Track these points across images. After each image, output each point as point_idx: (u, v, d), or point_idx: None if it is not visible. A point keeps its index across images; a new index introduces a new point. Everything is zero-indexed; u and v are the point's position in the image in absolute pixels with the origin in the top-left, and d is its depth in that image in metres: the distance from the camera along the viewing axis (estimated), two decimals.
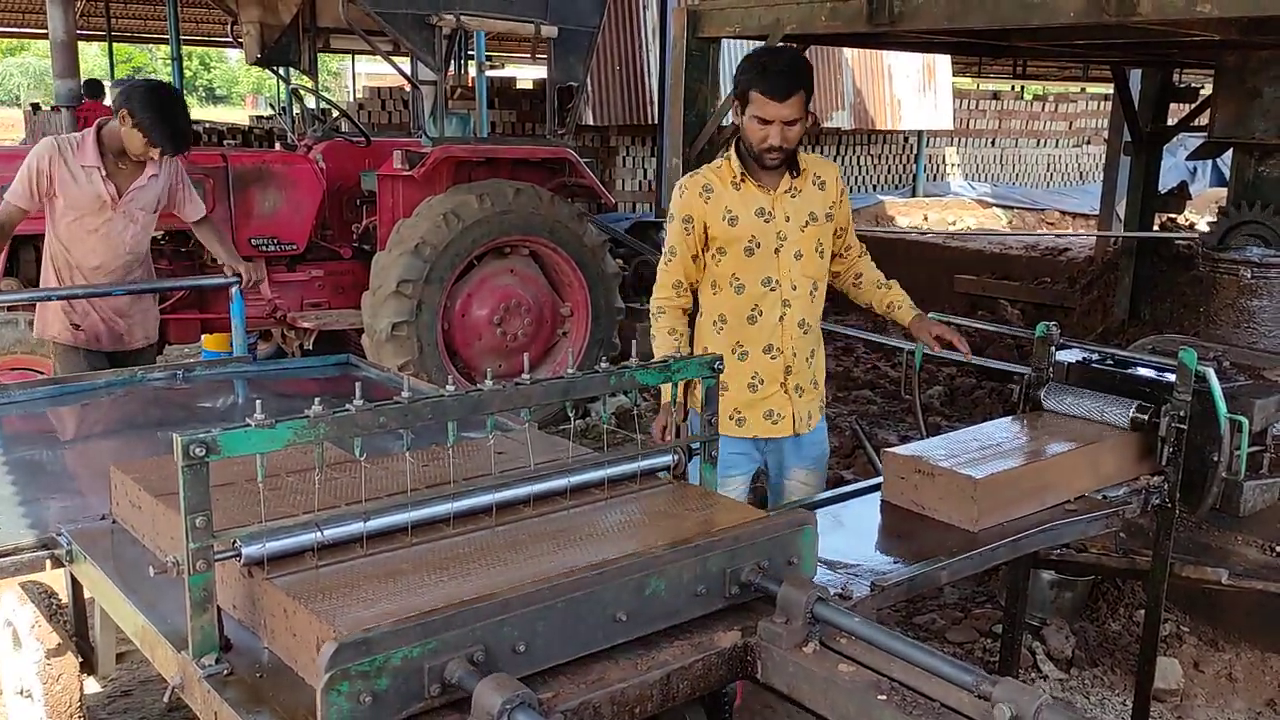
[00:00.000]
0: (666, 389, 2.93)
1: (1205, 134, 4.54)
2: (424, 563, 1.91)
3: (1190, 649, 3.86)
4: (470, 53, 9.23)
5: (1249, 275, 3.54)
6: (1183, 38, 3.82)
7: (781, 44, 3.58)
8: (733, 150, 3.04)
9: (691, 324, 3.17)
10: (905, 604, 4.21)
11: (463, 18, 5.80)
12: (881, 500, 2.70)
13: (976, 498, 2.48)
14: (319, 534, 1.87)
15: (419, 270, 5.63)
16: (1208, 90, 5.28)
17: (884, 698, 1.69)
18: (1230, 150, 4.42)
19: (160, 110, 3.77)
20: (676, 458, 2.37)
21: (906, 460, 2.64)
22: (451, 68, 6.62)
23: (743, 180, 3.00)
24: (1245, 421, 2.88)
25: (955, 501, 2.52)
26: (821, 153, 15.76)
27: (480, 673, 1.55)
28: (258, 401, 1.75)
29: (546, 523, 2.12)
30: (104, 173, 3.87)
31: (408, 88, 6.78)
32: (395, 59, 6.55)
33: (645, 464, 2.31)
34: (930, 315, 3.28)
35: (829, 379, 7.90)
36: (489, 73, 9.30)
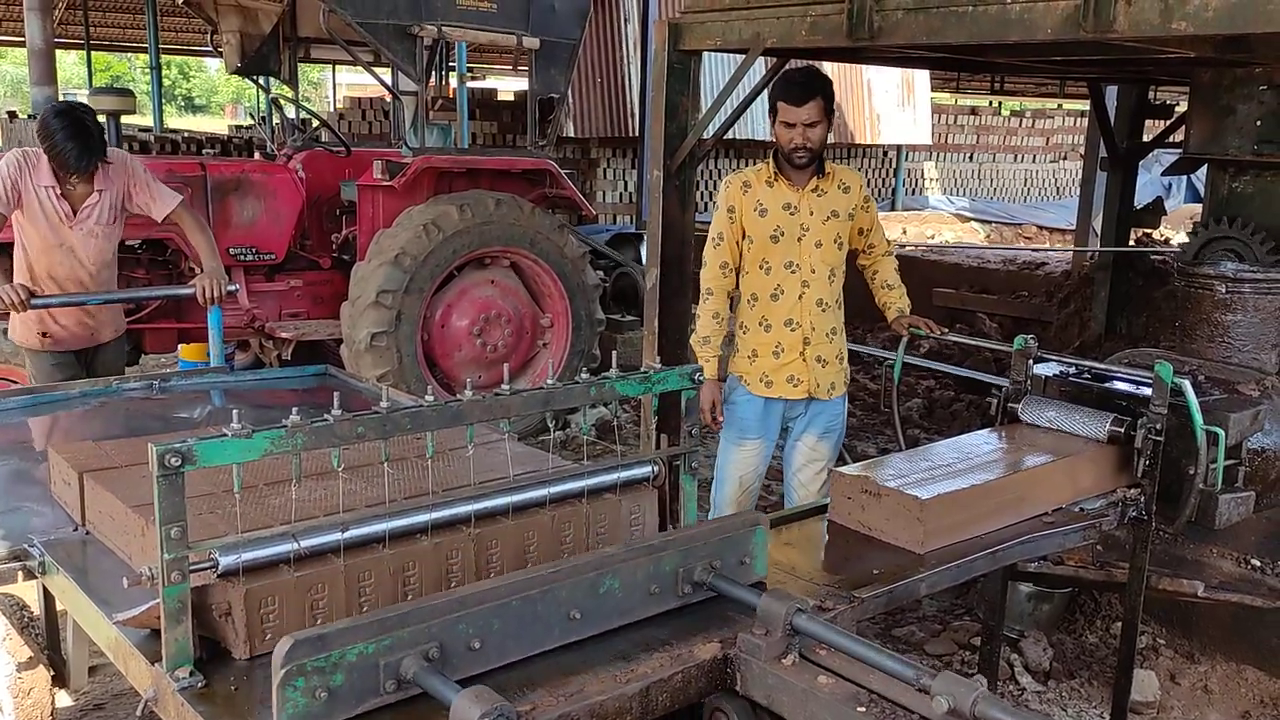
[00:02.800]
0: (706, 367, 3.51)
1: (1180, 150, 4.58)
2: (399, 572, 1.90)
3: (1167, 661, 3.88)
4: (451, 63, 9.22)
5: (1223, 290, 3.57)
6: (1158, 55, 3.86)
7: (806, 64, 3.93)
8: (771, 156, 3.62)
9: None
10: (885, 616, 4.21)
11: (444, 28, 5.81)
12: (828, 521, 2.63)
13: (923, 519, 2.41)
14: (296, 545, 1.85)
15: (399, 281, 5.61)
16: (1183, 107, 5.34)
17: (863, 709, 1.69)
18: (1205, 166, 4.46)
19: (53, 136, 3.76)
20: (656, 468, 2.37)
21: (853, 480, 2.57)
22: (432, 78, 6.61)
23: (776, 179, 3.57)
24: (1221, 434, 2.90)
25: (901, 523, 2.45)
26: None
27: (435, 669, 1.58)
28: (235, 411, 1.73)
29: (524, 532, 2.11)
30: (58, 192, 3.88)
31: (388, 98, 6.76)
32: (376, 69, 6.55)
33: (625, 474, 2.31)
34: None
35: None
36: (470, 84, 9.30)
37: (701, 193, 14.70)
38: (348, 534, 1.91)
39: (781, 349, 3.60)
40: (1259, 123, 4.00)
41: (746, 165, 16.40)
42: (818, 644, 1.85)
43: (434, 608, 1.62)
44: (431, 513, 2.02)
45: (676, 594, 1.95)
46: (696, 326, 3.70)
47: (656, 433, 4.29)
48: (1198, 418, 2.89)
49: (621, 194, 13.69)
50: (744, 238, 3.60)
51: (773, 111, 3.54)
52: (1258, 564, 3.76)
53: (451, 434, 2.22)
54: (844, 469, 2.70)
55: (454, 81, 7.89)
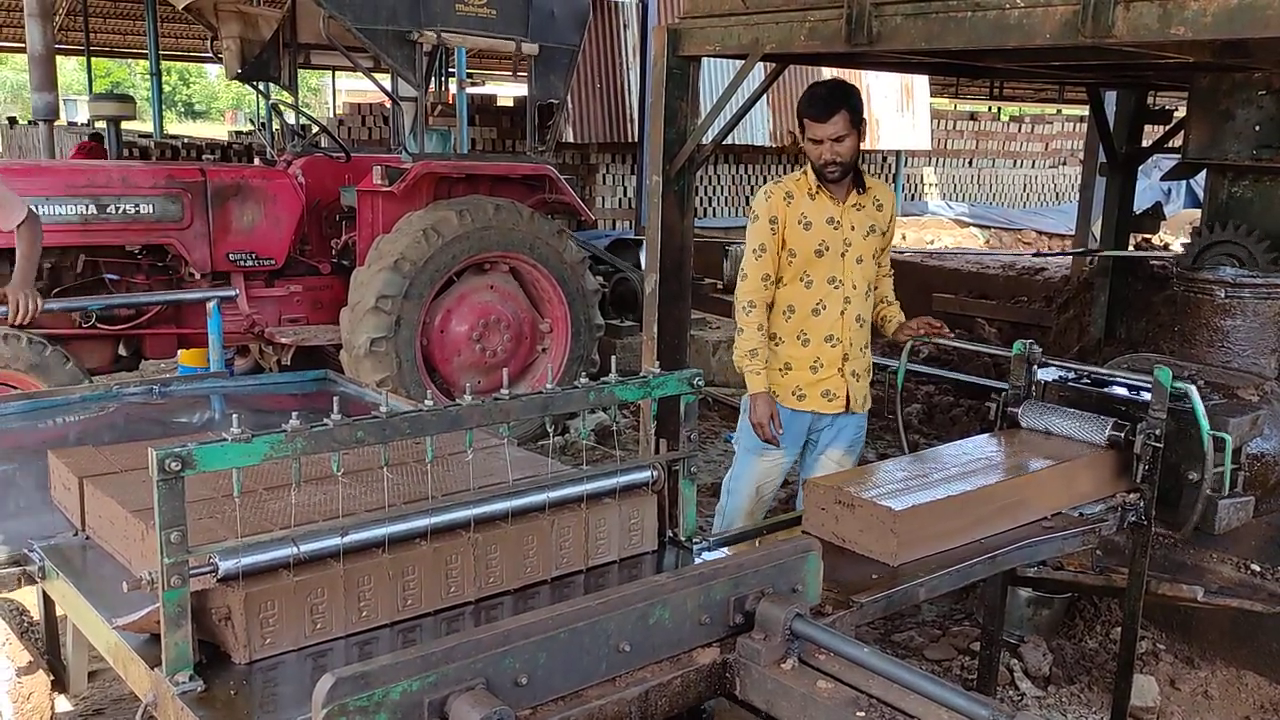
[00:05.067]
0: (756, 380, 3.49)
1: (1179, 155, 4.58)
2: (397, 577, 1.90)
3: (1167, 666, 3.88)
4: (451, 69, 9.23)
5: (1223, 295, 3.57)
6: (1157, 60, 3.86)
7: (831, 78, 3.89)
8: (809, 166, 3.55)
9: None
10: (883, 621, 4.21)
11: (444, 34, 5.81)
12: (801, 533, 2.56)
13: (896, 530, 2.35)
14: (295, 549, 1.85)
15: (398, 286, 5.61)
16: (1182, 112, 5.35)
17: (862, 714, 1.69)
18: (1204, 171, 4.47)
19: None
20: (655, 473, 2.37)
21: (827, 490, 2.53)
22: (432, 84, 6.63)
23: (818, 192, 3.52)
24: (1228, 439, 2.90)
25: (875, 534, 2.39)
26: (799, 168, 15.84)
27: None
28: (234, 416, 1.73)
29: (523, 537, 2.11)
30: None
31: (388, 104, 6.76)
32: (376, 75, 6.55)
33: (624, 479, 2.31)
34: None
35: None
36: (470, 89, 9.32)
37: (701, 198, 14.71)
38: (347, 539, 1.91)
39: (820, 364, 3.56)
40: (1258, 127, 4.00)
41: (745, 170, 16.33)
42: (817, 649, 1.85)
43: (479, 642, 1.58)
44: (431, 517, 2.03)
45: (728, 623, 1.89)
46: (740, 340, 3.57)
47: (655, 438, 4.28)
48: (1204, 422, 2.89)
49: (621, 199, 13.69)
50: (784, 249, 3.53)
51: (800, 129, 3.52)
52: (1257, 569, 3.76)
53: (451, 439, 2.22)
54: (818, 479, 2.66)
55: (453, 87, 7.92)
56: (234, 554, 1.79)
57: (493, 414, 2.02)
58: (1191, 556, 3.82)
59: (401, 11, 5.66)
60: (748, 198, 15.40)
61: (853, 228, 3.52)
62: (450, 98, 7.48)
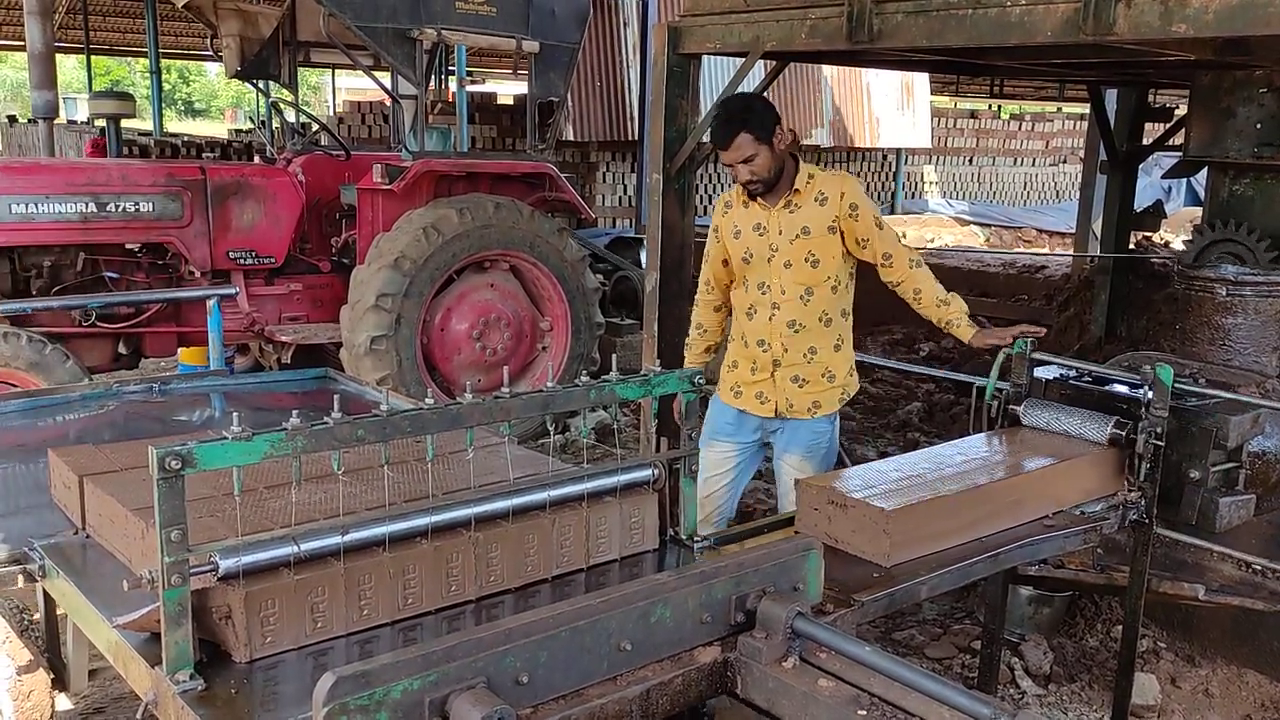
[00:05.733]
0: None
1: (1180, 153, 4.58)
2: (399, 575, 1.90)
3: (1167, 665, 3.88)
4: (451, 67, 9.22)
5: (1224, 293, 3.57)
6: (1158, 58, 3.86)
7: (739, 92, 3.71)
8: None
9: None
10: (884, 619, 4.21)
11: (444, 32, 5.80)
12: (795, 534, 2.54)
13: (889, 531, 2.33)
14: (296, 548, 1.85)
15: (398, 284, 5.61)
16: (1183, 110, 5.34)
17: (864, 713, 1.69)
18: (1205, 169, 4.47)
19: None
20: (656, 472, 2.37)
21: (820, 490, 2.50)
22: (432, 82, 6.62)
23: (751, 199, 3.44)
24: None
25: (868, 535, 2.37)
26: None
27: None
28: (234, 414, 1.73)
29: (524, 536, 2.11)
30: None
31: (388, 102, 6.76)
32: (376, 73, 6.54)
33: (625, 478, 2.31)
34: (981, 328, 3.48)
35: None
36: (470, 87, 9.31)
37: (701, 196, 14.70)
38: (348, 537, 1.91)
39: (756, 367, 3.53)
40: (1259, 125, 4.00)
41: None
42: (818, 647, 1.85)
43: (480, 641, 1.57)
44: (432, 516, 2.03)
45: (729, 622, 1.89)
46: None
47: (656, 436, 4.28)
48: None
49: (621, 198, 13.69)
50: (727, 255, 3.55)
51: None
52: (1258, 567, 3.76)
53: (451, 437, 2.22)
54: (810, 479, 2.63)
55: (453, 85, 7.90)
56: (234, 552, 1.78)
57: (493, 412, 2.02)
58: (1192, 555, 3.82)
59: (401, 9, 5.65)
60: None
61: (780, 232, 3.40)
62: (450, 96, 7.47)
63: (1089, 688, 3.83)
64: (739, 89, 4.35)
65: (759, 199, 3.42)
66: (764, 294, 3.46)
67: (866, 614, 2.26)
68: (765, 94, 4.13)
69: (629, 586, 1.81)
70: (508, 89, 16.50)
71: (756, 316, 3.48)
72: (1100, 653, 4.02)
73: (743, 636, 1.87)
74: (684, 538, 2.43)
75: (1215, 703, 3.75)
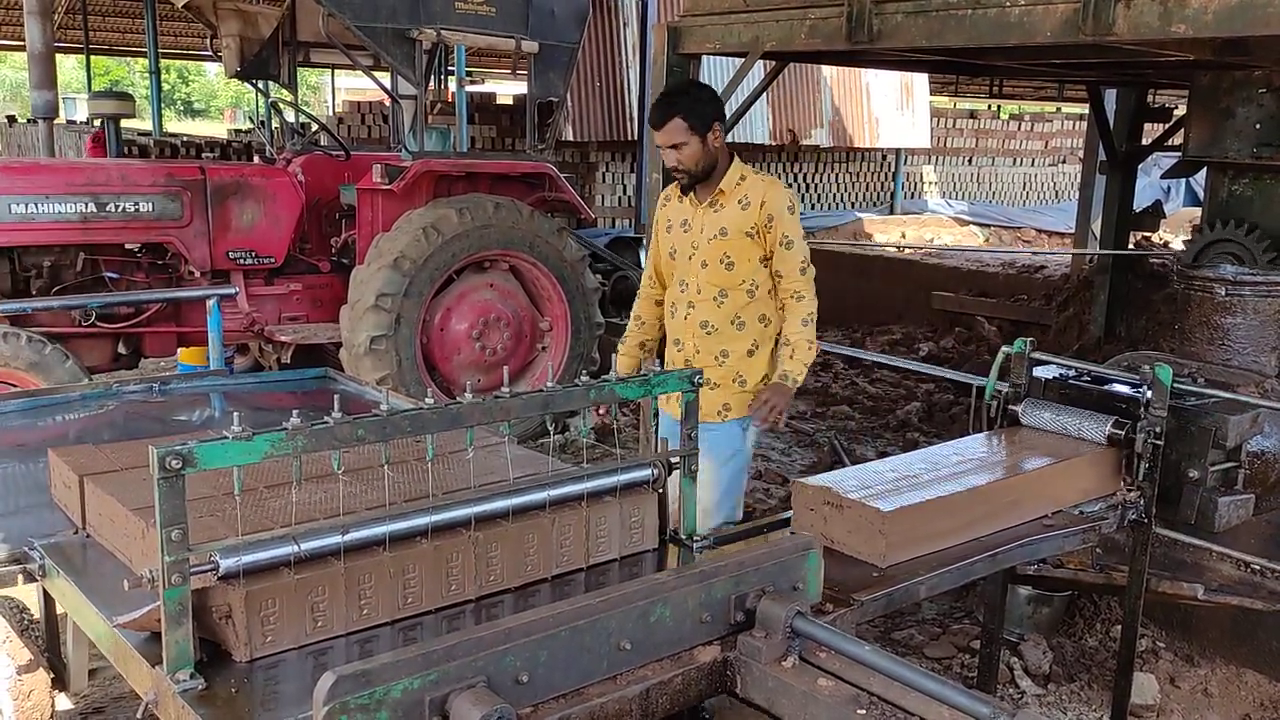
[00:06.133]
0: (619, 361, 3.41)
1: (1179, 153, 4.59)
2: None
3: (1166, 664, 3.88)
4: (450, 67, 9.21)
5: (1223, 293, 3.57)
6: (1157, 58, 3.86)
7: (691, 79, 3.69)
8: None
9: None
10: (884, 619, 4.21)
11: (443, 32, 5.80)
12: (791, 534, 2.54)
13: (885, 531, 2.32)
14: (296, 548, 1.85)
15: (398, 284, 5.61)
16: (1181, 110, 5.35)
17: (863, 712, 1.69)
18: (1204, 169, 4.47)
19: None
20: (656, 471, 2.37)
21: (816, 491, 2.49)
22: (431, 82, 6.62)
23: (685, 195, 3.41)
24: None
25: (864, 535, 2.36)
26: (800, 169, 15.85)
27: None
28: (235, 414, 1.73)
29: (524, 535, 2.11)
30: None
31: (388, 102, 6.76)
32: (375, 73, 6.55)
33: (624, 478, 2.31)
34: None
35: (806, 393, 7.94)
36: (469, 88, 9.31)
37: None
38: (348, 537, 1.91)
39: (674, 367, 3.39)
40: (1258, 126, 4.01)
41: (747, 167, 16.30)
42: (818, 647, 1.85)
43: (480, 640, 1.58)
44: (432, 515, 2.03)
45: (729, 621, 1.89)
46: None
47: (656, 436, 4.28)
48: None
49: (620, 197, 13.69)
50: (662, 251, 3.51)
51: None
52: (1257, 567, 3.76)
53: (451, 437, 2.22)
54: (807, 480, 2.61)
55: (453, 85, 7.89)
56: (235, 552, 1.79)
57: (493, 412, 2.02)
58: (1191, 554, 3.83)
59: (401, 9, 5.65)
60: None
61: (702, 230, 3.34)
62: (450, 96, 7.46)
63: (1088, 687, 3.83)
64: (738, 89, 4.36)
65: (692, 194, 3.38)
66: (683, 292, 3.42)
67: (865, 613, 2.27)
68: (763, 94, 4.15)
69: (629, 586, 1.81)
70: (507, 89, 16.50)
71: (676, 315, 3.45)
72: (1099, 652, 4.02)
73: (742, 636, 1.87)
74: (684, 537, 2.43)
75: (1214, 702, 3.76)
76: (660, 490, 2.39)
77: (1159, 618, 4.00)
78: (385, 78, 6.38)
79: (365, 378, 5.22)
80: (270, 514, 2.08)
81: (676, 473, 2.39)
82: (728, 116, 4.65)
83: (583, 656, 1.71)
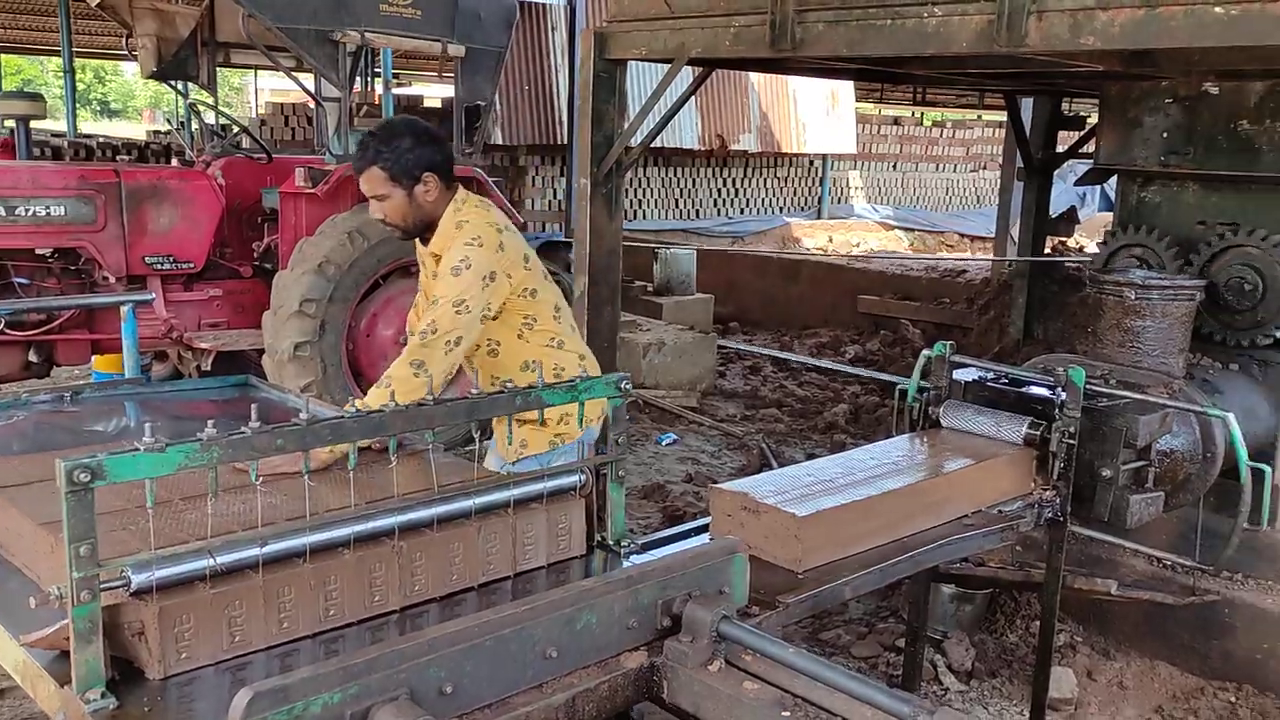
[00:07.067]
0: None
1: (1092, 161, 4.72)
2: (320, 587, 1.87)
3: (1084, 658, 3.99)
4: (377, 69, 9.11)
5: (1132, 296, 3.69)
6: (1069, 68, 3.98)
7: (410, 118, 3.15)
8: None
9: None
10: (812, 620, 4.26)
11: (367, 35, 5.73)
12: (708, 540, 2.52)
13: (800, 536, 2.33)
14: (212, 561, 1.81)
15: (323, 289, 5.52)
16: (1094, 119, 5.51)
17: (787, 714, 1.71)
18: (1115, 176, 4.61)
19: None
20: (584, 477, 2.36)
21: (733, 497, 2.49)
22: (357, 84, 6.52)
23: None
24: (1269, 471, 3.07)
25: (780, 540, 2.37)
26: (729, 174, 15.99)
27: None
28: (147, 424, 1.69)
29: (449, 544, 2.09)
30: None
31: (312, 104, 6.65)
32: (298, 75, 6.44)
33: (552, 484, 2.30)
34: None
35: (736, 396, 8.01)
36: (396, 90, 9.21)
37: (630, 201, 14.74)
38: (266, 549, 1.87)
39: None
40: (1165, 134, 4.15)
41: (675, 173, 16.35)
42: (744, 650, 1.86)
43: (402, 651, 1.55)
44: (354, 526, 2.00)
45: (655, 627, 1.89)
46: None
47: (583, 443, 4.27)
48: (1243, 454, 3.01)
49: (550, 201, 13.66)
50: None
51: None
52: (1168, 562, 3.90)
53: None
54: (724, 485, 2.62)
55: (379, 88, 7.80)
56: (147, 567, 1.74)
57: (417, 420, 2.00)
58: (1106, 551, 3.95)
59: (323, 11, 5.57)
60: (678, 200, 15.49)
61: (431, 274, 3.07)
62: (376, 98, 7.37)
63: (1009, 682, 3.92)
64: (665, 94, 4.38)
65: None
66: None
67: (791, 615, 2.29)
68: (691, 100, 4.16)
69: (555, 593, 1.81)
70: (436, 92, 16.36)
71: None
72: (1020, 648, 4.12)
73: (669, 641, 1.88)
74: (612, 543, 2.43)
75: (1129, 694, 3.87)
76: (587, 496, 2.38)
77: (1076, 613, 4.11)
78: (309, 79, 6.28)
79: (289, 385, 5.13)
80: (186, 527, 2.03)
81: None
82: (655, 122, 4.68)
83: (508, 665, 1.70)
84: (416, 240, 3.10)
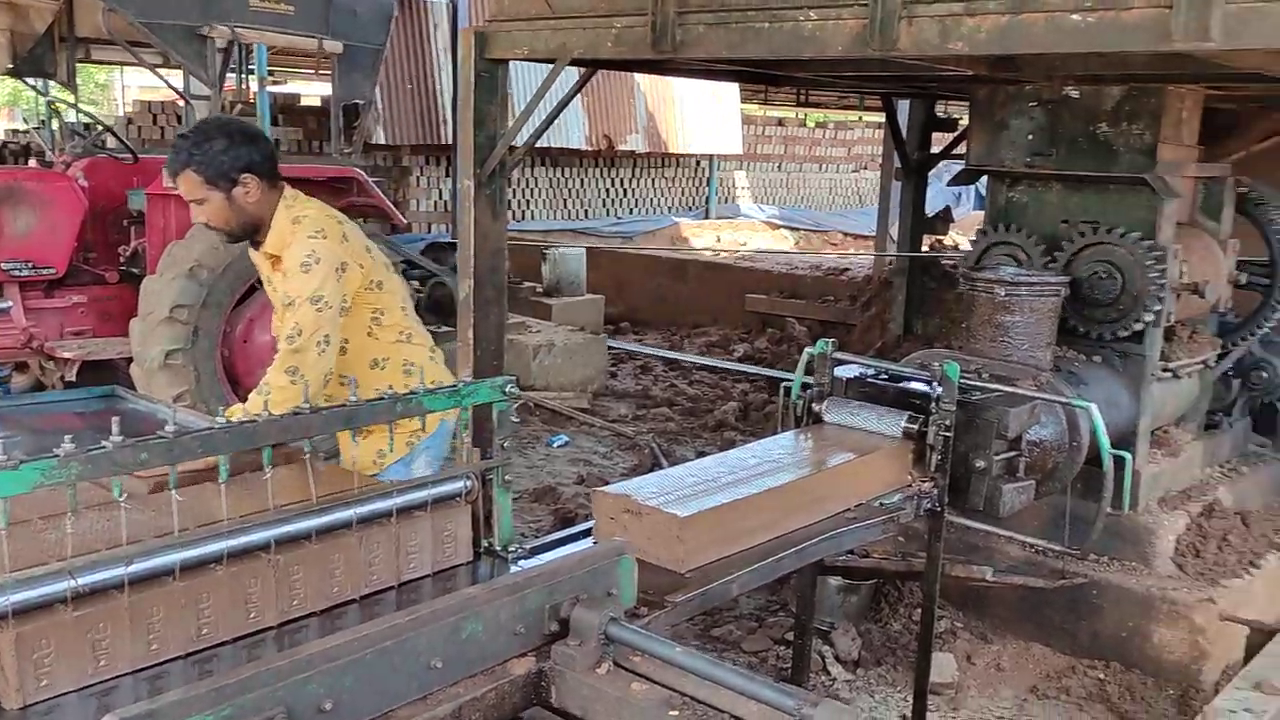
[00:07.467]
0: None
1: (964, 162, 4.88)
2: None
3: (964, 643, 4.12)
4: (250, 66, 8.84)
5: (1003, 293, 3.83)
6: (940, 72, 4.11)
7: (224, 117, 3.14)
8: None
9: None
10: (704, 617, 4.30)
11: (237, 30, 5.56)
12: (593, 544, 2.52)
13: (682, 537, 2.33)
14: (73, 582, 1.72)
15: (194, 294, 5.33)
16: (966, 121, 5.69)
17: (675, 713, 1.72)
18: (985, 177, 4.77)
19: None
20: (469, 483, 2.33)
21: (616, 499, 2.49)
22: (229, 81, 6.31)
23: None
24: (1129, 458, 3.19)
25: (662, 541, 2.36)
26: (617, 174, 16.04)
27: None
28: (1, 440, 1.59)
29: (329, 556, 2.03)
30: None
31: (181, 102, 6.41)
32: (165, 71, 6.20)
33: (436, 491, 2.26)
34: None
35: (627, 396, 8.03)
36: (271, 88, 8.94)
37: (519, 201, 14.64)
38: (132, 568, 1.79)
39: None
40: (1030, 137, 4.31)
41: (562, 173, 16.29)
42: (631, 651, 1.86)
43: (278, 669, 1.50)
44: (227, 541, 1.92)
45: (543, 632, 1.87)
46: None
47: (469, 447, 4.22)
48: (1105, 443, 3.13)
49: (436, 202, 13.46)
50: None
51: None
52: (1039, 547, 4.06)
53: (249, 456, 2.12)
54: (606, 488, 2.61)
55: (254, 85, 7.57)
56: (2, 591, 1.64)
57: (293, 429, 1.94)
58: (983, 539, 4.09)
59: (190, 5, 5.38)
60: (565, 200, 15.46)
61: (274, 293, 3.05)
62: (250, 95, 7.13)
63: (894, 670, 4.02)
64: (550, 94, 4.35)
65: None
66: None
67: (679, 615, 2.30)
68: (577, 99, 4.14)
69: (439, 603, 1.78)
70: (315, 89, 15.95)
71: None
72: (904, 635, 4.23)
73: (556, 645, 1.86)
74: (499, 548, 2.40)
75: (1006, 676, 4.02)
76: (474, 502, 2.35)
77: (956, 599, 4.25)
78: (179, 77, 6.06)
79: (159, 395, 4.93)
80: (46, 547, 1.92)
81: None
82: (540, 122, 4.64)
83: (391, 678, 1.66)
84: (250, 247, 3.02)
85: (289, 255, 2.85)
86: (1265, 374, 5.05)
